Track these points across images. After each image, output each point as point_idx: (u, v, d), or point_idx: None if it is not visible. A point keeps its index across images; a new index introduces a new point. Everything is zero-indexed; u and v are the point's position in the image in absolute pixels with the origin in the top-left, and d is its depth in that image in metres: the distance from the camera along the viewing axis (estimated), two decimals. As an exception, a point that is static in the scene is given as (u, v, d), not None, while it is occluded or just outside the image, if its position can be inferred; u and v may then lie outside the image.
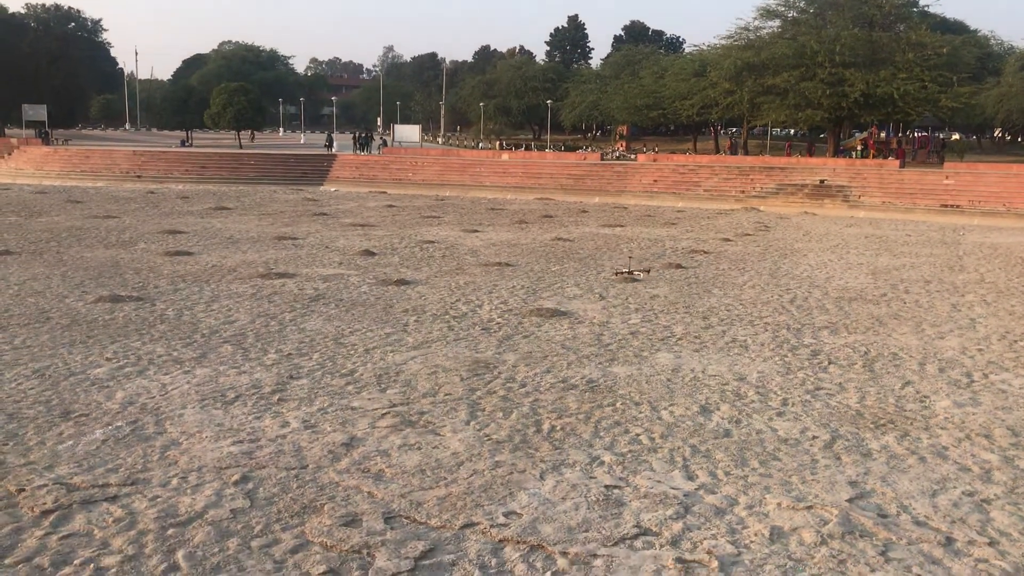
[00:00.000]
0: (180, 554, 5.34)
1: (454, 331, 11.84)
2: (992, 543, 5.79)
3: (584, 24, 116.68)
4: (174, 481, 6.45)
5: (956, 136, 77.19)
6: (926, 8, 56.21)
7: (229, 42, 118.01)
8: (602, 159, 49.36)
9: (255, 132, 72.41)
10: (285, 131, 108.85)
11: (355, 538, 5.61)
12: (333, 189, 42.43)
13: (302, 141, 79.93)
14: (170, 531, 5.64)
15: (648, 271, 17.76)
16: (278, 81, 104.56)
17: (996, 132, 76.91)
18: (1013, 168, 39.60)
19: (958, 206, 33.86)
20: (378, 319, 12.50)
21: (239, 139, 68.58)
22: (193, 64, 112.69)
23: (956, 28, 65.66)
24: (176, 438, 7.37)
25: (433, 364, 10.01)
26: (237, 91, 64.48)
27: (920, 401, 9.09)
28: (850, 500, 6.43)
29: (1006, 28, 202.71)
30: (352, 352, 10.51)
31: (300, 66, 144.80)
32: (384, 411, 8.22)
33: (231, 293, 14.28)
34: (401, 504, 6.14)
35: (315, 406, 8.34)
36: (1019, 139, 72.88)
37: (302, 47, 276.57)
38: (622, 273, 17.30)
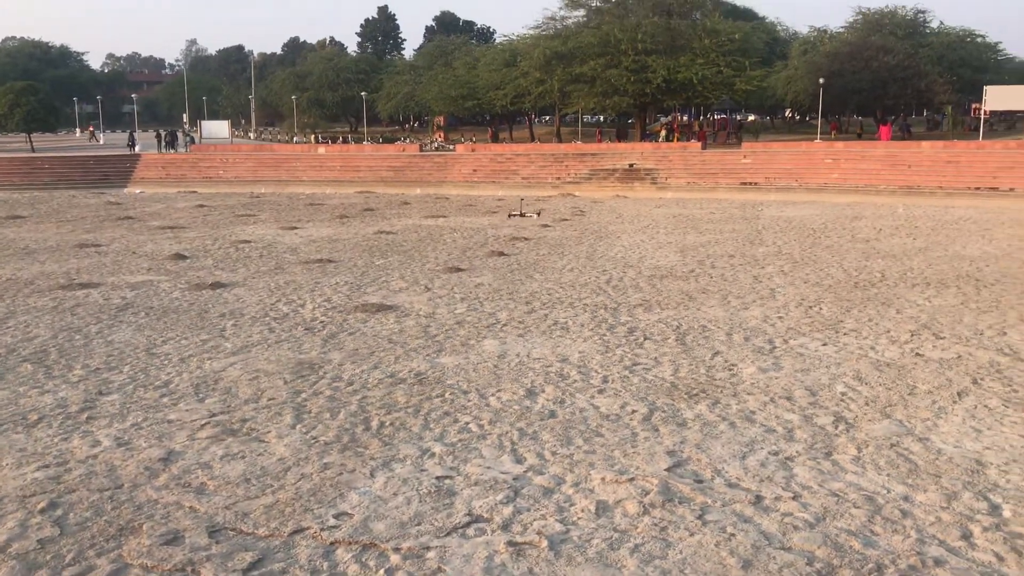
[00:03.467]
0: (-19, 594, 4.95)
1: (275, 333, 11.54)
2: (796, 497, 6.25)
3: (395, 15, 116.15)
4: (-29, 516, 5.96)
5: (752, 117, 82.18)
6: (719, -4, 59.52)
7: (13, 38, 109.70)
8: (421, 150, 49.27)
9: (94, 131, 67.25)
10: (82, 132, 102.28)
11: (178, 556, 5.38)
12: (138, 191, 40.26)
13: (101, 142, 75.34)
14: (-31, 571, 5.22)
15: (539, 213, 18.15)
16: (71, 79, 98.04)
17: (787, 112, 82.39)
18: (802, 146, 42.63)
19: (756, 183, 36.09)
20: (193, 326, 11.99)
21: (31, 142, 63.79)
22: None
23: (746, 15, 69.76)
24: (-29, 469, 6.80)
25: (254, 369, 9.72)
26: (25, 91, 59.84)
27: (729, 369, 9.66)
28: (669, 469, 6.75)
29: (789, 14, 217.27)
30: (166, 362, 10.04)
31: (96, 62, 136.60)
32: (204, 421, 7.91)
33: (29, 308, 13.30)
34: (226, 516, 5.94)
35: (128, 422, 7.91)
36: (807, 118, 78.38)
37: (97, 42, 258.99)
38: (515, 215, 17.72)
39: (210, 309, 13.15)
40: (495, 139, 62.26)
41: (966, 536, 5.66)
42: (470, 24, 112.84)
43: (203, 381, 9.24)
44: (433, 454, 7.09)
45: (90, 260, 18.40)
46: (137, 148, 53.80)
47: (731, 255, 18.64)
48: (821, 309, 12.93)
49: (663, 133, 57.57)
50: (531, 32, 58.55)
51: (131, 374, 9.54)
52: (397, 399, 8.59)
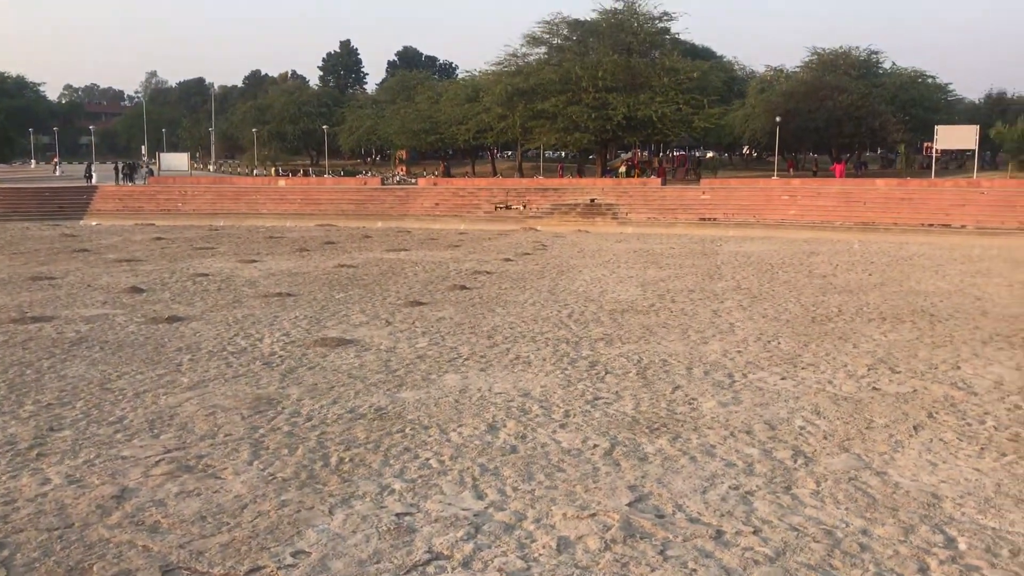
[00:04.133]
0: (-78, 639, 4.77)
1: (233, 368, 11.38)
2: (756, 531, 6.26)
3: (357, 49, 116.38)
4: (-87, 557, 5.77)
5: (710, 154, 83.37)
6: (677, 35, 60.52)
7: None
8: (383, 183, 49.28)
9: (58, 161, 65.50)
10: (38, 163, 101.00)
11: (129, 598, 5.24)
12: (95, 223, 39.73)
13: (57, 173, 74.42)
14: (-91, 615, 5.04)
15: (524, 205, 18.15)
16: (27, 109, 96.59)
17: (744, 149, 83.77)
18: (760, 182, 43.30)
19: (715, 219, 36.55)
20: (148, 360, 11.79)
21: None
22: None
23: (704, 54, 71.02)
24: (-86, 509, 6.59)
25: (211, 404, 9.57)
26: (-21, 120, 59.14)
27: (689, 403, 9.70)
28: (630, 504, 6.74)
29: (746, 54, 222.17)
30: (121, 397, 9.85)
31: (53, 93, 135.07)
32: (158, 458, 7.76)
33: (-22, 342, 13.00)
34: (180, 555, 5.80)
35: (80, 459, 7.73)
36: (764, 155, 79.73)
37: (55, 73, 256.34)
38: (501, 208, 17.79)
39: (166, 343, 12.95)
40: (447, 173, 62.15)
41: (923, 569, 5.70)
42: (432, 59, 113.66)
43: (158, 417, 9.08)
44: (393, 490, 7.02)
45: (43, 293, 18.07)
46: (94, 180, 53.20)
47: (691, 290, 18.80)
48: (779, 343, 13.06)
49: (623, 169, 58.18)
50: (493, 68, 59.08)
51: (84, 409, 9.34)
52: (357, 435, 8.50)
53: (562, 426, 8.80)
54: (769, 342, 13.17)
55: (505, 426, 8.79)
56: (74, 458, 7.76)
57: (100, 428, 8.67)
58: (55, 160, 67.27)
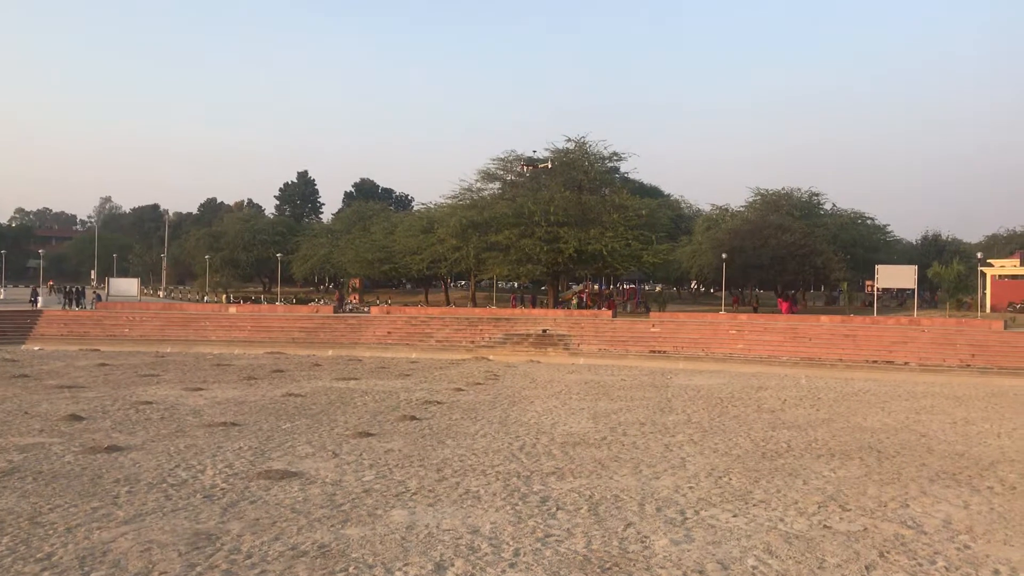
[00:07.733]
0: None
1: (172, 501, 10.99)
2: None
3: (314, 180, 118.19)
4: None
5: (659, 287, 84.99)
6: (627, 175, 62.64)
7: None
8: (335, 311, 49.17)
9: (53, 284, 63.22)
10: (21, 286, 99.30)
11: None
12: (37, 348, 38.84)
13: (1, 296, 73.10)
14: None
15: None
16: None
17: (692, 283, 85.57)
18: (708, 317, 44.03)
19: (664, 352, 36.91)
20: (84, 492, 11.34)
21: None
22: None
23: (652, 192, 73.39)
24: None
25: (147, 540, 9.18)
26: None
27: (641, 542, 9.54)
28: (581, 649, 6.52)
29: (692, 193, 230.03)
30: (51, 532, 9.40)
31: (4, 216, 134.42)
32: (87, 598, 7.37)
33: (-97, 471, 12.42)
34: None
35: (2, 600, 7.32)
36: (711, 289, 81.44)
37: (7, 197, 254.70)
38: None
39: (104, 474, 12.50)
40: (341, 301, 60.88)
41: None
42: (388, 191, 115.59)
43: (90, 553, 8.67)
44: (335, 634, 6.71)
45: (-23, 420, 17.43)
46: (40, 303, 52.33)
47: (642, 423, 18.77)
48: (731, 479, 13.01)
49: (574, 301, 58.89)
50: (448, 201, 60.35)
51: (10, 545, 8.89)
52: (298, 574, 8.18)
53: (512, 565, 8.58)
54: (720, 478, 13.12)
55: (453, 565, 8.54)
56: (-4, 599, 7.34)
57: (26, 565, 8.24)
58: (51, 283, 65.48)
